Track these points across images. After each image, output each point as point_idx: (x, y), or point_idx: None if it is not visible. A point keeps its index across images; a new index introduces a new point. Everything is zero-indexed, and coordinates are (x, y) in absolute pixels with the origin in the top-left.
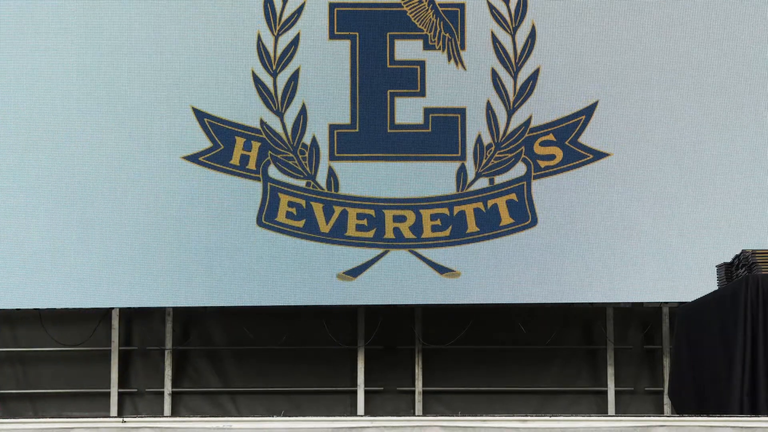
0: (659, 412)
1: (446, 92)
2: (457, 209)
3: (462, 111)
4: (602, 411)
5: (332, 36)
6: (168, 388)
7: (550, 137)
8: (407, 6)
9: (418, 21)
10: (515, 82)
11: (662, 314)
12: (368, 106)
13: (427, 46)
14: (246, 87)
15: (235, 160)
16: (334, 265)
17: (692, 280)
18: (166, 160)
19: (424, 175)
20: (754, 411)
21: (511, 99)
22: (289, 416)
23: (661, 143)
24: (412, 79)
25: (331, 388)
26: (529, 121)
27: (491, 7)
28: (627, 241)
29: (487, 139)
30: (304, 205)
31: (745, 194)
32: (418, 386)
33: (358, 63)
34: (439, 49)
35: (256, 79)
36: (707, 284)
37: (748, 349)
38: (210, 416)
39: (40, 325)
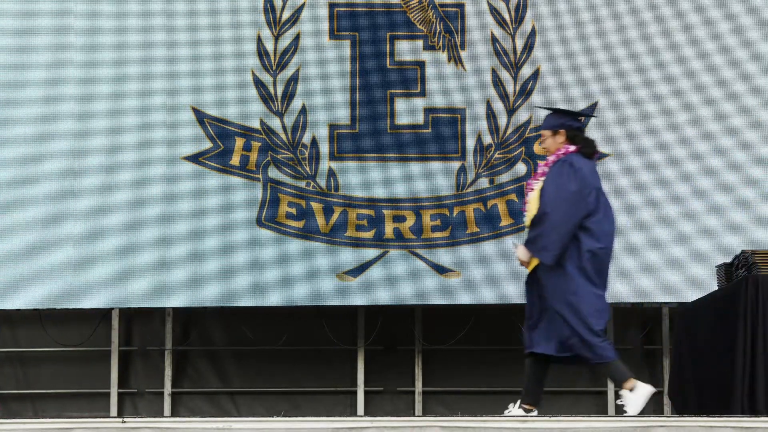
0: (659, 412)
1: (446, 92)
2: (457, 209)
3: (462, 111)
4: (602, 411)
5: (332, 36)
6: (168, 389)
7: None
8: (407, 6)
9: (418, 21)
10: (515, 83)
11: (662, 314)
12: (368, 106)
13: (427, 47)
14: (246, 87)
15: (235, 160)
16: (334, 265)
17: (692, 281)
18: (166, 160)
19: (424, 176)
20: (754, 411)
21: (511, 99)
22: (289, 416)
23: (661, 143)
24: (412, 80)
25: (331, 389)
26: (529, 121)
27: (491, 8)
28: (627, 241)
29: (487, 140)
30: (304, 205)
31: (745, 195)
32: (418, 386)
33: (358, 63)
34: (439, 49)
35: (256, 80)
36: (707, 284)
37: (748, 349)
38: (210, 416)
39: (40, 325)
